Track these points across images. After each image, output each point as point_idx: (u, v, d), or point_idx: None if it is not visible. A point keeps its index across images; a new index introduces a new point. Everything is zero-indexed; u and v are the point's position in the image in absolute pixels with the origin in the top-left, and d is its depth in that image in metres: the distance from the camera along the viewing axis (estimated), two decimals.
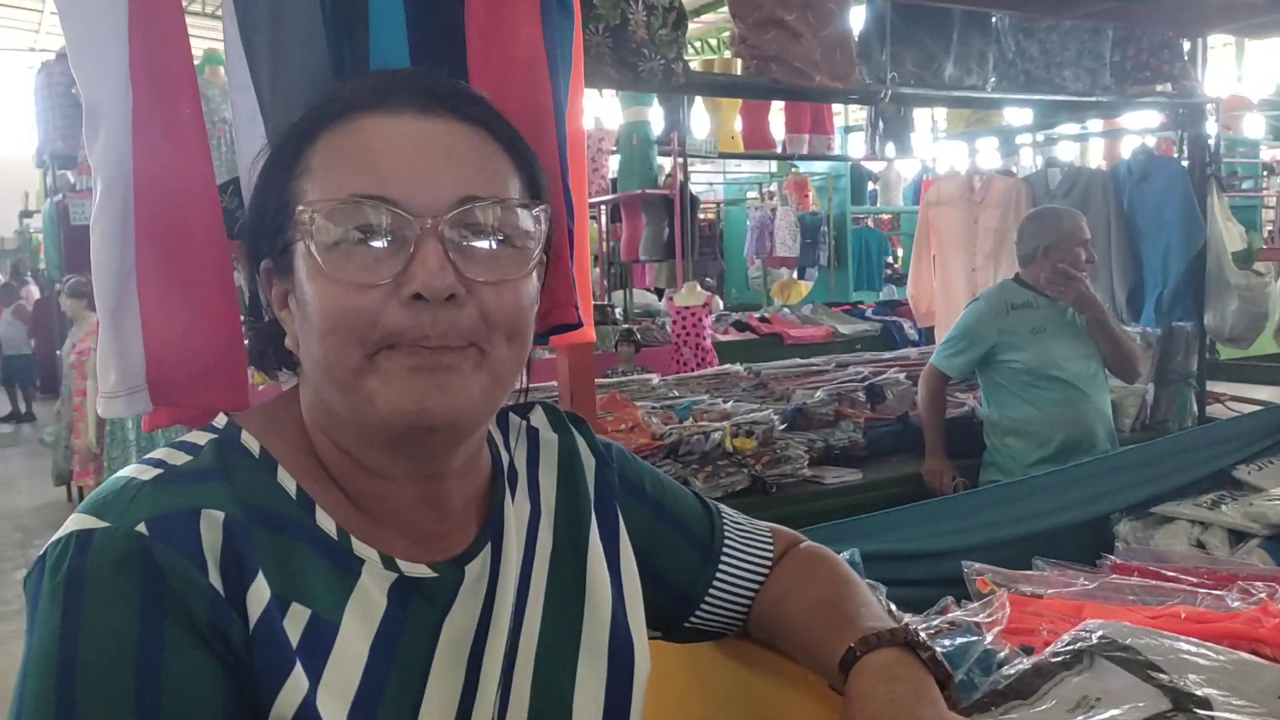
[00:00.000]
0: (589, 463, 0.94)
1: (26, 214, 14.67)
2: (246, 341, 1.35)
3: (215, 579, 0.67)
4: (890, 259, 10.82)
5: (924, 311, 5.13)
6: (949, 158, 7.65)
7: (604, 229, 9.11)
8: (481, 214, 0.74)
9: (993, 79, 3.48)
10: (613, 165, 8.08)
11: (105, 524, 0.66)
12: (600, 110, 8.15)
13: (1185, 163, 4.23)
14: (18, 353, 11.53)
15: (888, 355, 4.88)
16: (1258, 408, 3.19)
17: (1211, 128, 4.28)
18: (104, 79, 1.28)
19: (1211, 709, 0.81)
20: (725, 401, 3.75)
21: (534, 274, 0.79)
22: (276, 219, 0.77)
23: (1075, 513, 1.84)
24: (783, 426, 3.46)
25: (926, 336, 5.86)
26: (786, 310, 7.98)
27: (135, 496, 0.68)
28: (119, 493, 0.69)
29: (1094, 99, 3.68)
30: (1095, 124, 6.56)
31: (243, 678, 0.67)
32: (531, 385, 0.89)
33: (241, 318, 1.42)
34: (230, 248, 1.43)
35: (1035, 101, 3.77)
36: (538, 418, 0.95)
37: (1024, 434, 3.18)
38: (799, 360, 4.64)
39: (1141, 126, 6.40)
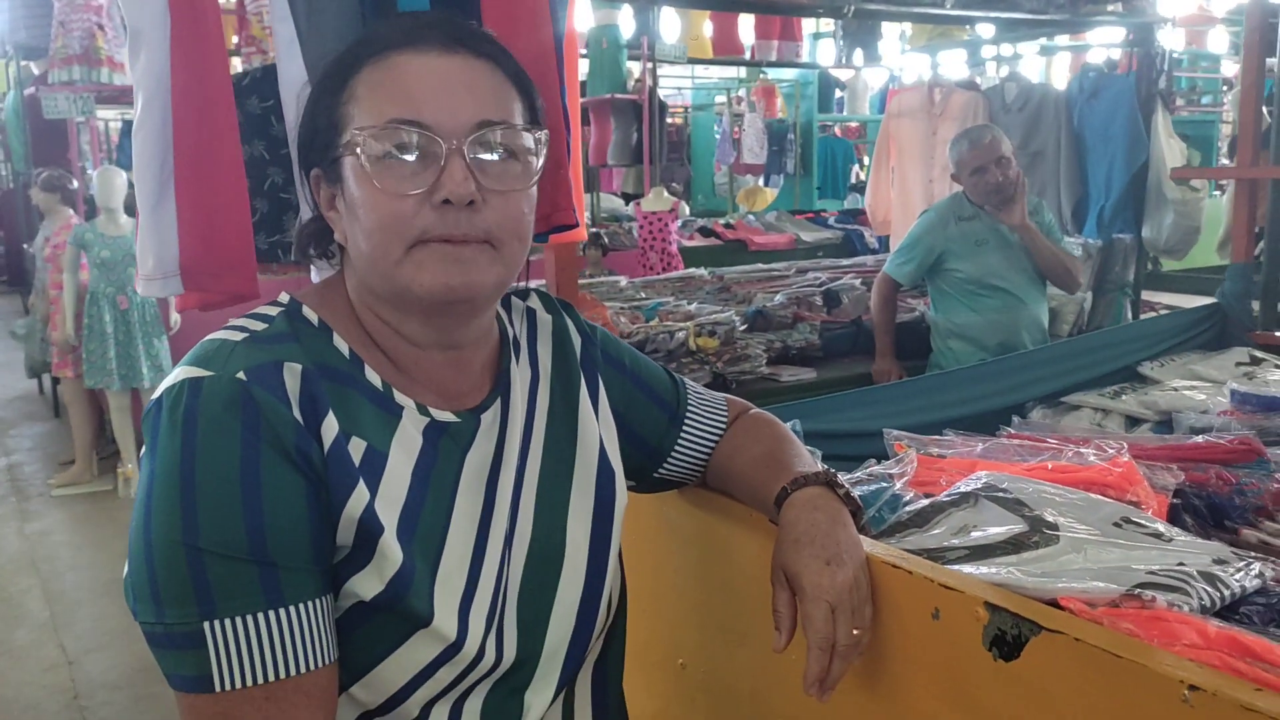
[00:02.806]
0: (576, 339, 1.14)
1: None
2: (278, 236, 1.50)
3: (298, 414, 0.86)
4: (857, 168, 10.94)
5: (880, 220, 5.33)
6: (917, 68, 7.74)
7: None
8: (495, 135, 0.93)
9: None
10: (582, 68, 8.09)
11: (211, 373, 0.85)
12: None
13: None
14: None
15: (846, 262, 5.10)
16: None
17: (1172, 41, 4.43)
18: (146, 6, 1.43)
19: (1058, 530, 1.05)
20: (690, 303, 3.96)
21: (534, 187, 0.98)
22: (328, 135, 0.95)
23: (995, 400, 2.08)
24: (743, 327, 3.68)
25: (886, 245, 6.05)
26: (751, 217, 8.13)
27: (232, 353, 0.88)
28: (218, 350, 0.88)
29: (1047, 17, 3.82)
30: (1062, 37, 6.69)
31: (321, 489, 0.87)
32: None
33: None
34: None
35: (993, 19, 3.92)
36: (534, 301, 1.15)
37: (965, 338, 3.41)
38: (761, 265, 4.84)
39: (1105, 41, 6.55)
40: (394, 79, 0.93)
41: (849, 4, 3.34)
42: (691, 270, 4.69)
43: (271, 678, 0.82)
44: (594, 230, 6.73)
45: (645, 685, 1.39)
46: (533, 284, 1.21)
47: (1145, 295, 5.12)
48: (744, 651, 1.24)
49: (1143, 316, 4.46)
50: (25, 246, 7.78)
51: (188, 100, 1.47)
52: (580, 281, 4.38)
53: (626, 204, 8.92)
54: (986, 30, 5.52)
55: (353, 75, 0.95)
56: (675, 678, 1.35)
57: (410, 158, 0.90)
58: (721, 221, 7.88)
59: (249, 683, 0.82)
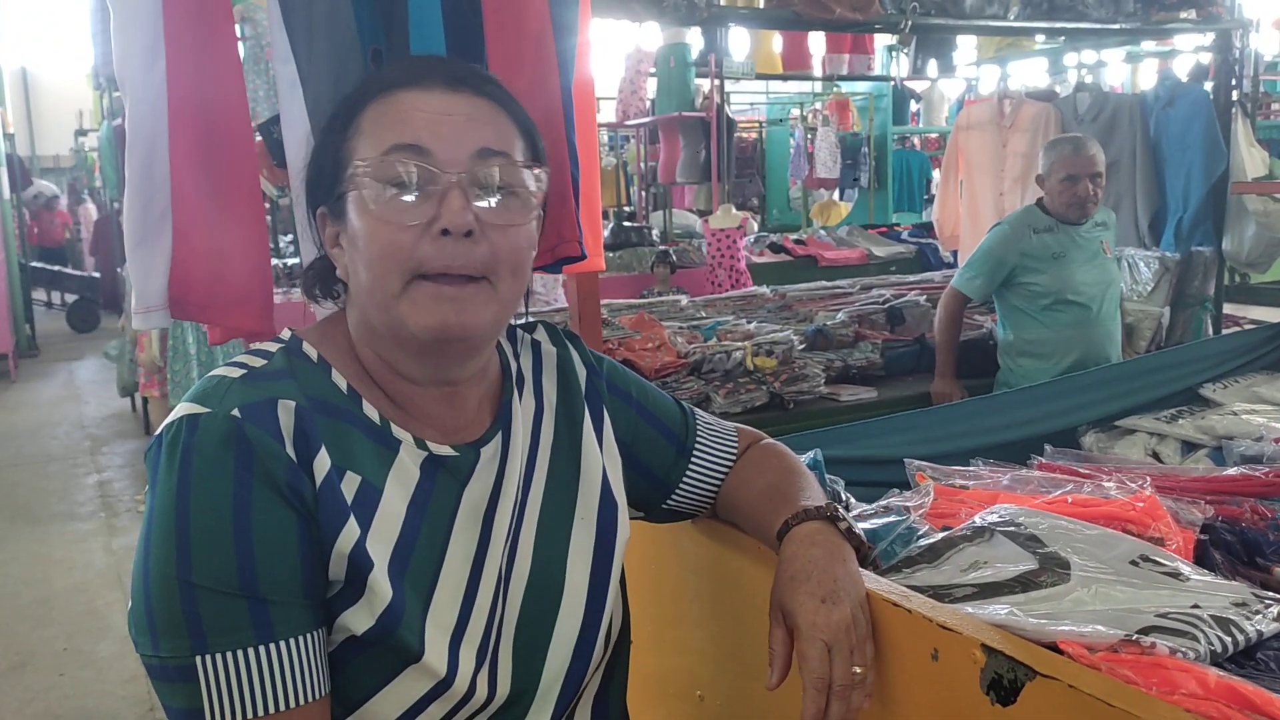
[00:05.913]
0: (581, 372, 1.15)
1: (81, 132, 14.98)
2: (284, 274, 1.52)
3: (290, 451, 0.89)
4: (937, 178, 10.74)
5: (948, 235, 5.23)
6: (993, 78, 7.58)
7: (642, 151, 9.18)
8: (494, 167, 0.95)
9: (1015, 8, 3.55)
10: (651, 87, 8.13)
11: (207, 410, 0.88)
12: (639, 32, 8.19)
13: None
14: None
15: (912, 278, 5.01)
16: None
17: (1264, 45, 4.27)
18: (134, 44, 1.43)
19: (1070, 568, 1.01)
20: (749, 322, 3.93)
21: (533, 222, 0.99)
22: (333, 172, 0.98)
23: (1045, 425, 2.02)
24: (802, 346, 3.64)
25: (958, 260, 5.93)
26: (823, 232, 8.03)
27: (229, 390, 0.90)
28: (216, 388, 0.91)
29: (1116, 27, 3.72)
30: (1148, 43, 6.49)
31: (312, 525, 0.89)
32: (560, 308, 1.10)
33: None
34: (260, 178, 1.57)
35: (1058, 29, 3.82)
36: (540, 334, 1.16)
37: (1037, 355, 3.31)
38: (825, 282, 4.78)
39: (1195, 45, 6.34)
40: (397, 112, 0.95)
41: (905, 20, 3.29)
42: (753, 288, 4.66)
43: (262, 712, 0.84)
44: (662, 248, 6.74)
45: (664, 717, 1.38)
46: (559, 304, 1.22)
47: (1233, 309, 4.93)
48: (760, 685, 1.22)
49: (1224, 332, 4.30)
50: (119, 270, 8.12)
51: (191, 107, 1.47)
52: (642, 301, 4.43)
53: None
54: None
55: (359, 113, 0.98)
56: (693, 710, 1.34)
57: (411, 194, 0.92)
58: (792, 237, 7.80)
59: (239, 717, 0.84)
